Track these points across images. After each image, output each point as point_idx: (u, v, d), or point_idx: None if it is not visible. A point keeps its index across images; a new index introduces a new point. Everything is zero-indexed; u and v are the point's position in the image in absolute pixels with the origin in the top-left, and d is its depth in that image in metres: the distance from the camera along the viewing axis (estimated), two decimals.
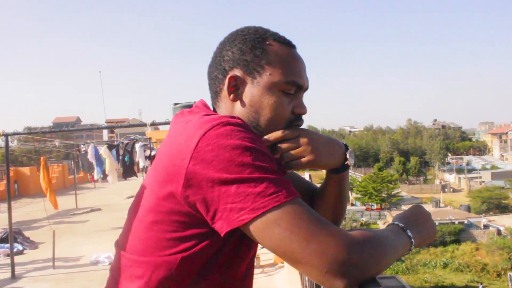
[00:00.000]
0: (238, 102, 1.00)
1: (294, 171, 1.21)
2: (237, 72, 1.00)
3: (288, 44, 1.03)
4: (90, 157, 10.80)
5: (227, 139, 0.81)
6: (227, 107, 1.02)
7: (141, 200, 0.95)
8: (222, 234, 0.81)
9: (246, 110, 0.99)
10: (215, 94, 1.05)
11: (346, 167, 1.09)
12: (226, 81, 1.00)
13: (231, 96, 1.01)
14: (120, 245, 1.00)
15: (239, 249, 0.96)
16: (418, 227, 0.94)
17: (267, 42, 1.00)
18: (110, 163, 10.10)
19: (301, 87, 1.01)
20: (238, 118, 0.88)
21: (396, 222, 0.93)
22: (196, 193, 0.81)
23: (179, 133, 0.88)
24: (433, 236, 0.99)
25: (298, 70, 1.01)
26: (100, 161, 10.68)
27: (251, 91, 0.99)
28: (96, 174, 11.04)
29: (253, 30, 1.03)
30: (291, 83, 0.99)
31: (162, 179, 0.87)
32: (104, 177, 10.87)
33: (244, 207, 0.78)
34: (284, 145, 0.98)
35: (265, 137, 0.98)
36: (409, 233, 0.91)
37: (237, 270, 0.99)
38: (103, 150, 10.23)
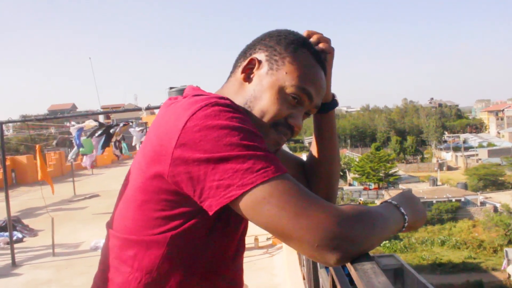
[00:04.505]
0: (246, 84, 1.01)
1: (284, 149, 1.24)
2: (261, 56, 1.00)
3: (320, 62, 1.02)
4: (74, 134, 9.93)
5: (215, 119, 0.80)
6: (234, 85, 1.03)
7: (130, 180, 0.95)
8: (211, 213, 0.81)
9: (248, 94, 0.99)
10: (233, 68, 1.06)
11: (335, 104, 1.15)
12: (247, 60, 1.01)
13: (243, 75, 1.01)
14: (111, 225, 1.00)
15: (229, 228, 0.96)
16: (410, 207, 0.94)
17: (304, 49, 1.00)
18: (90, 144, 9.53)
19: (310, 96, 0.99)
20: (227, 98, 0.88)
21: (389, 200, 0.94)
22: (183, 172, 0.80)
23: (168, 114, 0.88)
24: (424, 219, 1.00)
25: (313, 82, 0.99)
26: (79, 143, 9.85)
27: (262, 79, 0.99)
28: (71, 155, 10.21)
29: (301, 36, 1.03)
30: (301, 89, 0.97)
31: (150, 159, 0.87)
32: (76, 158, 9.98)
33: (232, 184, 0.77)
34: None
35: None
36: (402, 210, 0.91)
37: (228, 249, 0.99)
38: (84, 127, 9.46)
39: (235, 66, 1.06)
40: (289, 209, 0.76)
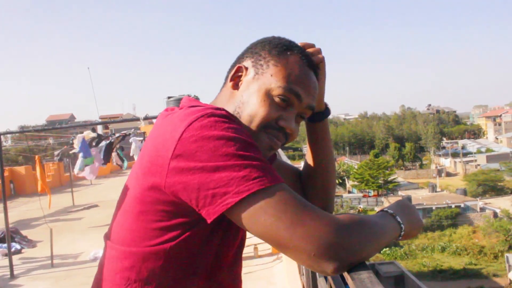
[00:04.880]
0: (236, 91, 1.02)
1: (280, 159, 1.26)
2: (247, 63, 1.02)
3: (308, 64, 1.01)
4: (77, 146, 9.82)
5: (211, 130, 0.80)
6: (225, 95, 1.04)
7: (128, 191, 0.95)
8: (209, 221, 0.81)
9: (237, 100, 1.00)
10: (225, 80, 1.07)
11: (328, 112, 1.17)
12: (234, 68, 1.02)
13: (231, 83, 1.02)
14: (109, 236, 1.00)
15: (226, 238, 0.96)
16: (406, 216, 0.95)
17: (289, 52, 1.00)
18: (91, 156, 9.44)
19: (299, 96, 0.98)
20: (223, 109, 0.88)
21: (385, 209, 0.94)
22: (178, 181, 0.81)
23: (164, 125, 0.88)
24: (420, 228, 1.00)
25: (301, 82, 0.98)
26: (87, 152, 9.76)
27: (249, 84, 1.00)
28: (77, 167, 10.15)
29: (286, 40, 1.04)
30: (288, 90, 0.96)
31: (147, 169, 0.87)
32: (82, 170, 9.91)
33: (228, 191, 0.77)
34: None
35: None
36: (398, 219, 0.91)
37: (226, 259, 0.99)
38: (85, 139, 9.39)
39: (226, 77, 1.07)
40: (285, 218, 0.76)
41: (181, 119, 0.84)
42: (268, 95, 0.96)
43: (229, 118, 0.85)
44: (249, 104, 0.97)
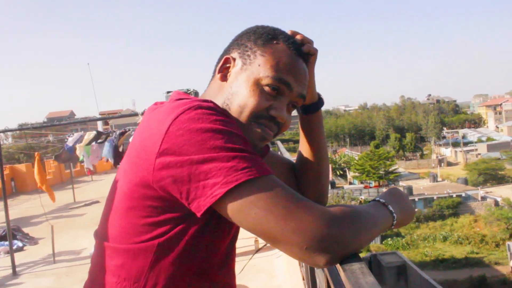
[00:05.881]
0: (224, 83, 1.00)
1: (273, 152, 1.24)
2: (234, 54, 1.00)
3: (296, 52, 0.99)
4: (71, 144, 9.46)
5: (198, 122, 0.79)
6: (213, 88, 1.03)
7: (116, 187, 0.93)
8: (199, 214, 0.80)
9: (226, 92, 0.98)
10: (213, 73, 1.05)
11: (321, 103, 1.15)
12: (222, 60, 1.01)
13: (220, 75, 1.01)
14: (99, 234, 0.99)
15: (218, 232, 0.95)
16: (398, 204, 0.94)
17: (275, 41, 0.98)
18: (88, 150, 9.41)
19: (288, 85, 0.96)
20: (211, 101, 0.87)
21: (377, 199, 0.94)
22: (166, 175, 0.80)
23: (151, 119, 0.87)
24: (412, 216, 1.00)
25: (290, 70, 0.96)
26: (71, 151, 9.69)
27: (237, 75, 0.98)
28: (87, 163, 9.91)
29: (270, 28, 1.02)
30: (277, 79, 0.95)
31: (134, 165, 0.86)
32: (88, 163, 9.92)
33: (217, 182, 0.76)
34: None
35: None
36: (391, 208, 0.91)
37: (217, 255, 0.98)
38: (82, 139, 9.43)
39: (214, 70, 1.06)
40: (276, 211, 0.75)
41: (167, 113, 0.83)
42: (257, 84, 0.95)
43: (216, 110, 0.83)
44: (239, 95, 0.96)
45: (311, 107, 1.14)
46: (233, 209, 0.77)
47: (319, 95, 1.16)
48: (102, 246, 0.96)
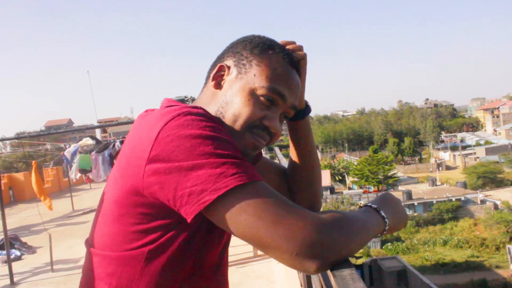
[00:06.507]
0: (218, 91, 1.00)
1: (265, 158, 1.24)
2: (229, 63, 1.00)
3: (290, 63, 1.00)
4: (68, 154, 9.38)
5: (187, 129, 0.79)
6: (206, 95, 1.02)
7: (107, 195, 0.93)
8: (189, 220, 0.79)
9: (220, 100, 0.98)
10: (206, 80, 1.05)
11: (309, 110, 1.16)
12: (216, 68, 1.00)
13: (213, 83, 1.00)
14: (90, 242, 0.98)
15: (210, 239, 0.94)
16: (390, 210, 0.94)
17: (270, 51, 0.99)
18: (87, 160, 9.27)
19: (283, 96, 0.97)
20: (200, 108, 0.87)
21: (369, 204, 0.93)
22: (155, 182, 0.79)
23: (141, 126, 0.87)
24: (405, 220, 1.00)
25: (284, 82, 0.97)
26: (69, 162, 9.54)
27: (232, 83, 0.98)
28: (72, 174, 9.47)
29: (266, 38, 1.02)
30: (272, 89, 0.95)
31: (125, 172, 0.86)
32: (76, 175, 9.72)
33: (205, 189, 0.76)
34: None
35: None
36: (383, 213, 0.91)
37: (208, 262, 0.97)
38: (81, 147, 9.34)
39: (207, 77, 1.05)
40: (266, 218, 0.75)
41: (157, 119, 0.83)
42: (252, 94, 0.95)
43: (206, 117, 0.83)
44: (233, 103, 0.96)
45: (299, 114, 1.14)
46: (223, 215, 0.77)
47: (306, 102, 1.16)
48: (93, 254, 0.95)
